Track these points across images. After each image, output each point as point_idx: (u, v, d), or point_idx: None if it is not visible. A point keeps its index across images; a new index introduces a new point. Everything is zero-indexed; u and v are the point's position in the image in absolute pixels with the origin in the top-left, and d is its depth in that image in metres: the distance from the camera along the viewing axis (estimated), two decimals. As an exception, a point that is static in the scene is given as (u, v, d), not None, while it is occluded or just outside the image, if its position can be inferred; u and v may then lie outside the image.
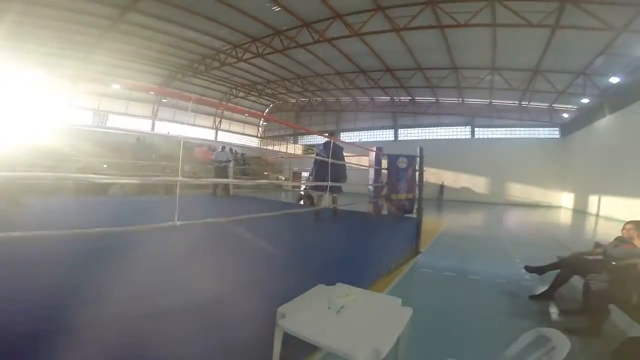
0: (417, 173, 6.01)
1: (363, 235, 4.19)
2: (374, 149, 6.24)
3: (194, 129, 30.97)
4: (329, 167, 4.24)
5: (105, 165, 13.96)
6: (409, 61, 16.89)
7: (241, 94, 27.86)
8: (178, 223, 2.21)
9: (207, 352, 1.66)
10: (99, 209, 5.42)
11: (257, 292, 2.06)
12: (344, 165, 5.51)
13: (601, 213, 15.92)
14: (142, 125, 26.64)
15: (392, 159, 5.99)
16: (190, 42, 17.09)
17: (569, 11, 9.76)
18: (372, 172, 6.24)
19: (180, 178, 2.47)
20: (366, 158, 6.71)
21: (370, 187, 6.38)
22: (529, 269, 4.45)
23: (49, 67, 18.15)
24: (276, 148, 35.26)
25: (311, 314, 1.92)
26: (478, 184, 24.38)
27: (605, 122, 16.42)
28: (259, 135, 37.88)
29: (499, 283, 4.63)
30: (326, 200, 5.35)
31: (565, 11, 9.82)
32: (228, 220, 2.66)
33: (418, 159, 5.83)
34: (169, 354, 1.51)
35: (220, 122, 32.89)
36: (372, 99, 26.24)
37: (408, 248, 5.53)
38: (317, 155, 5.50)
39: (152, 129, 27.03)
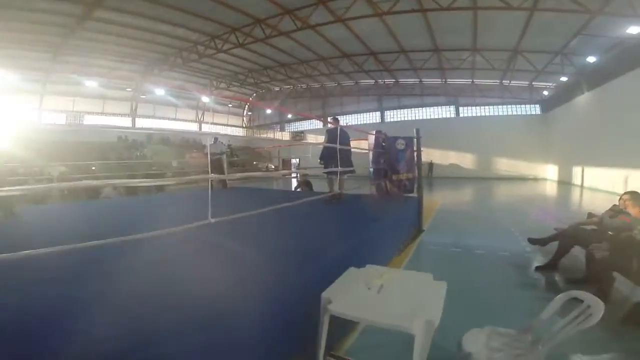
0: (415, 153, 6.12)
1: (374, 217, 4.28)
2: (374, 132, 6.31)
3: (176, 123, 30.27)
4: (338, 153, 4.31)
5: (94, 168, 13.58)
6: (392, 44, 16.76)
7: (223, 85, 27.15)
8: (213, 220, 2.22)
9: (259, 333, 1.73)
10: (105, 213, 5.32)
11: (296, 279, 2.15)
12: (349, 151, 5.56)
13: (585, 184, 16.60)
14: (122, 123, 25.79)
15: (391, 141, 6.09)
16: (164, 35, 16.31)
17: None
18: (371, 154, 6.31)
19: (211, 175, 2.53)
20: (363, 142, 6.78)
21: (371, 169, 6.48)
22: (532, 241, 4.70)
23: (16, 68, 17.24)
24: (263, 136, 34.96)
25: (355, 296, 2.00)
26: (466, 160, 24.94)
27: (584, 99, 16.90)
28: (244, 125, 37.29)
29: (503, 256, 4.84)
30: (336, 185, 5.45)
31: None
32: (258, 212, 2.70)
33: (415, 139, 5.94)
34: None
35: (203, 114, 32.14)
36: (356, 82, 26.07)
37: (413, 227, 5.66)
38: (325, 141, 5.51)
39: (133, 126, 26.20)
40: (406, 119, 27.70)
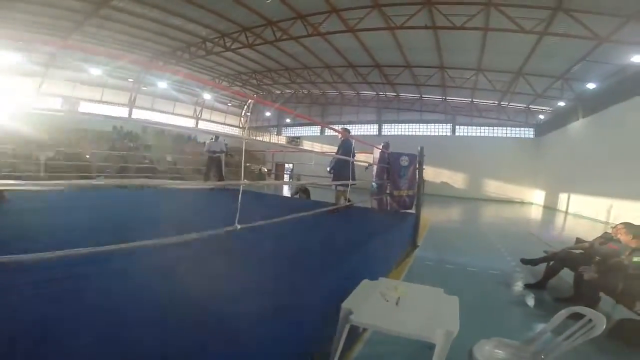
0: (417, 171, 6.21)
1: (377, 230, 4.31)
2: (380, 145, 6.35)
3: (173, 117, 29.97)
4: (352, 165, 4.35)
5: (88, 156, 13.24)
6: (398, 58, 17.05)
7: (225, 83, 27.06)
8: (239, 227, 2.21)
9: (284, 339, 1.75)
10: (101, 206, 5.14)
11: (312, 289, 2.13)
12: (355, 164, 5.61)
13: (570, 210, 17.07)
14: (119, 113, 25.41)
15: (395, 157, 6.17)
16: (175, 29, 16.27)
17: (559, 19, 10.19)
18: (375, 168, 6.36)
19: (244, 181, 2.51)
20: (368, 155, 6.82)
21: (374, 184, 6.51)
22: (524, 261, 4.98)
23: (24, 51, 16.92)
24: (259, 139, 34.77)
25: (374, 308, 2.11)
26: (457, 179, 25.36)
27: (578, 125, 17.48)
28: (240, 126, 37.12)
29: (494, 274, 5.13)
30: (345, 197, 5.47)
31: (556, 19, 10.25)
32: (283, 220, 2.68)
33: (418, 157, 6.03)
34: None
35: (201, 111, 31.92)
36: (358, 93, 26.37)
37: (409, 242, 5.80)
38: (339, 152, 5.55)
39: (129, 116, 25.83)
40: (403, 133, 28.06)
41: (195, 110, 31.61)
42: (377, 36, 14.15)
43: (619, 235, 3.76)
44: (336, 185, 5.63)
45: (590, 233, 10.47)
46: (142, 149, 22.81)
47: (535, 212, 18.18)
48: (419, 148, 6.17)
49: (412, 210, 6.20)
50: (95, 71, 20.99)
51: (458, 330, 1.92)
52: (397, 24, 12.05)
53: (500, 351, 2.22)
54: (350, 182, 4.60)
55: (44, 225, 3.24)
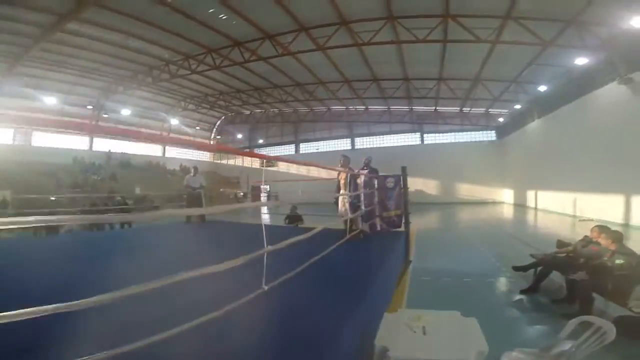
0: (402, 191, 6.35)
1: (381, 255, 4.30)
2: (366, 171, 6.41)
3: (138, 145, 28.67)
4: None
5: (53, 198, 12.04)
6: (366, 73, 17.70)
7: (191, 106, 26.50)
8: (266, 287, 2.10)
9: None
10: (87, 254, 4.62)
11: (341, 330, 2.04)
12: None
13: (539, 206, 18.20)
14: (80, 142, 23.86)
15: (381, 180, 6.30)
16: (135, 52, 15.77)
17: (509, 27, 11.11)
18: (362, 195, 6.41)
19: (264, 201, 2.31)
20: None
21: (363, 208, 6.53)
22: (515, 269, 5.39)
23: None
24: (231, 162, 34.05)
25: (406, 340, 2.23)
26: (430, 186, 26.23)
27: (535, 125, 18.93)
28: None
29: (490, 282, 5.45)
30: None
31: (507, 26, 11.15)
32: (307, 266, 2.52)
33: (402, 178, 6.20)
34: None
35: (168, 135, 30.78)
36: (329, 109, 26.87)
37: (404, 259, 5.86)
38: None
39: (90, 146, 24.33)
40: (376, 146, 28.83)
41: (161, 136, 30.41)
42: (345, 52, 14.62)
43: (599, 240, 4.18)
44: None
45: (564, 229, 11.49)
46: (107, 181, 21.49)
47: (508, 211, 19.17)
48: (401, 168, 6.33)
49: (402, 229, 6.27)
50: (50, 100, 19.64)
51: (488, 349, 2.11)
52: (364, 40, 12.53)
53: (524, 357, 2.46)
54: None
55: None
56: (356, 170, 6.04)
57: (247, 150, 34.73)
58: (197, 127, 32.91)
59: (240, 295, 1.95)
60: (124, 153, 26.04)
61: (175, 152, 32.04)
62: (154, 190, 20.70)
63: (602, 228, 4.33)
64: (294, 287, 2.48)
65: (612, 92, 11.84)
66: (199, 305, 1.86)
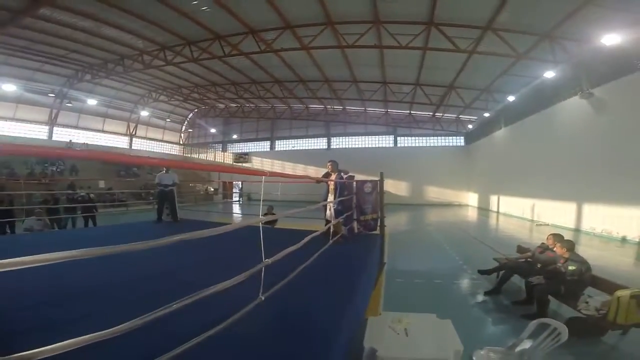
0: (379, 196, 6.58)
1: (360, 258, 4.40)
2: (346, 176, 6.54)
3: (103, 135, 27.12)
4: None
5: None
6: (346, 74, 17.86)
7: (163, 97, 25.45)
8: (262, 298, 2.13)
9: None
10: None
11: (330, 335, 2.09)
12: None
13: (501, 210, 19.35)
14: (37, 132, 22.15)
15: (360, 184, 6.48)
16: (108, 40, 14.88)
17: (488, 38, 11.59)
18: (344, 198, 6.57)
19: (261, 217, 2.36)
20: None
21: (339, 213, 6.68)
22: (481, 272, 5.87)
23: None
24: (202, 156, 33.10)
25: (392, 341, 2.48)
26: (401, 187, 27.00)
27: (501, 133, 20.04)
28: (181, 142, 35.04)
29: (457, 284, 5.97)
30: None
31: (485, 38, 11.64)
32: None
33: (379, 183, 6.43)
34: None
35: (135, 128, 29.42)
36: (307, 107, 26.83)
37: (379, 262, 6.08)
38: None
39: (50, 136, 22.68)
40: (351, 146, 29.25)
41: (128, 127, 29.02)
42: (328, 53, 14.68)
43: (555, 248, 4.67)
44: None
45: (522, 232, 12.41)
46: (68, 174, 20.18)
47: (472, 214, 20.20)
48: (379, 174, 6.55)
49: (377, 232, 6.50)
50: (9, 87, 18.10)
51: (463, 348, 2.39)
52: (348, 42, 12.62)
53: (493, 356, 2.87)
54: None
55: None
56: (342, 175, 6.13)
57: (220, 145, 34.12)
58: (168, 119, 31.72)
59: (238, 307, 1.98)
60: (86, 144, 24.53)
61: (142, 145, 30.64)
62: (119, 185, 19.73)
63: (557, 236, 4.81)
64: (288, 295, 2.53)
65: (574, 105, 12.72)
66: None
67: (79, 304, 2.35)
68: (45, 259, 0.91)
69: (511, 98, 16.33)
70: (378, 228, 6.45)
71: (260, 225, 2.30)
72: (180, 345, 1.54)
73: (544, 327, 2.84)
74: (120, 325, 1.28)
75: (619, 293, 3.48)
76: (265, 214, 8.68)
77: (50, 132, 22.87)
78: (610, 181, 10.60)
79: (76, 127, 24.92)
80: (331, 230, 4.86)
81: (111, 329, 1.23)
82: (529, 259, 5.23)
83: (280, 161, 30.08)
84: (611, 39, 9.31)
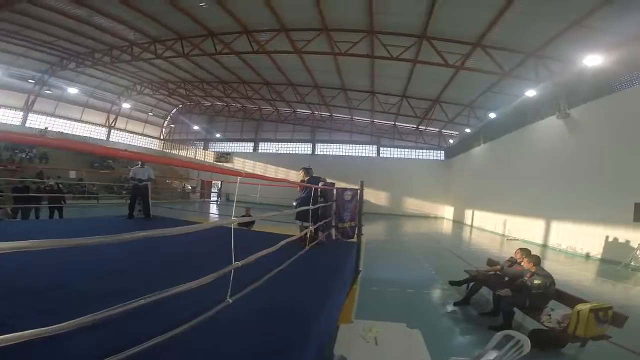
0: (358, 204, 6.65)
1: (335, 265, 4.37)
2: (327, 183, 6.57)
3: (80, 125, 26.10)
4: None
5: None
6: (336, 81, 18.01)
7: (147, 90, 24.81)
8: (230, 301, 2.09)
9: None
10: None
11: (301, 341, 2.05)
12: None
13: (474, 224, 19.90)
14: (10, 118, 21.08)
15: (340, 192, 6.53)
16: (98, 29, 14.47)
17: (476, 54, 11.88)
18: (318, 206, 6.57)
19: (234, 218, 2.30)
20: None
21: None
22: (452, 283, 6.10)
23: None
24: (182, 153, 32.31)
25: (361, 350, 2.51)
26: (380, 198, 27.24)
27: (480, 150, 20.68)
28: (161, 137, 34.12)
29: (428, 293, 6.13)
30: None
31: (474, 54, 11.91)
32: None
33: (359, 191, 6.50)
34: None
35: (115, 119, 28.48)
36: (294, 111, 26.81)
37: (354, 269, 6.12)
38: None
39: (24, 123, 21.62)
40: (335, 153, 29.37)
41: (108, 118, 28.05)
42: (320, 59, 14.75)
43: (522, 262, 4.84)
44: (302, 222, 5.53)
45: (493, 246, 12.80)
46: (38, 162, 19.25)
47: (447, 227, 20.66)
48: (359, 182, 6.62)
49: (354, 239, 6.55)
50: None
51: (430, 358, 2.45)
52: (341, 49, 12.73)
53: None
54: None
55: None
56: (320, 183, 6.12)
57: (201, 142, 33.47)
58: (150, 113, 30.88)
59: (204, 309, 1.92)
60: (62, 132, 23.51)
61: (121, 137, 29.65)
62: (91, 176, 18.98)
63: (525, 251, 4.99)
64: (258, 299, 2.48)
65: (550, 125, 13.25)
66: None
67: (27, 299, 2.20)
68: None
69: (492, 115, 16.83)
70: (355, 236, 6.50)
71: (232, 226, 2.25)
72: (136, 345, 1.47)
73: (509, 338, 2.90)
74: (66, 322, 1.22)
75: (579, 307, 3.63)
76: (243, 216, 8.55)
77: (25, 119, 21.81)
78: (577, 200, 11.15)
79: (53, 115, 23.86)
80: (308, 236, 4.84)
81: (58, 325, 1.17)
82: (498, 272, 5.39)
83: (263, 163, 29.78)
84: (593, 59, 9.66)
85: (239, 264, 2.12)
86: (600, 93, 10.86)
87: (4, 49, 17.07)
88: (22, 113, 21.84)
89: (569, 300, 4.13)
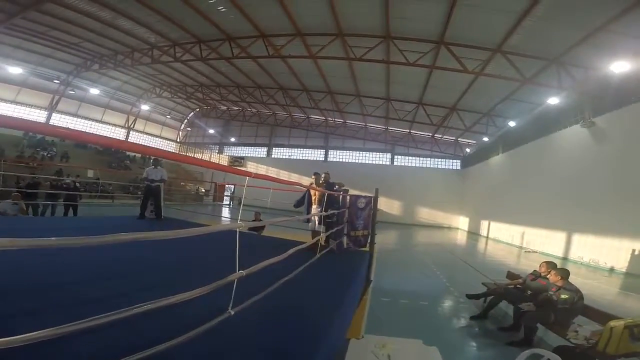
0: (372, 212, 6.44)
1: (344, 274, 4.22)
2: (341, 189, 6.42)
3: (101, 126, 26.91)
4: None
5: None
6: (351, 87, 17.92)
7: (166, 93, 25.38)
8: (232, 312, 1.90)
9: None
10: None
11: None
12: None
13: (490, 235, 19.25)
14: (36, 117, 21.94)
15: (354, 199, 6.34)
16: (122, 31, 14.95)
17: (496, 60, 11.57)
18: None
19: (240, 222, 2.14)
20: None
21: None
22: (469, 296, 5.70)
23: None
24: (197, 156, 32.73)
25: None
26: (393, 206, 26.81)
27: (498, 159, 20.09)
28: (178, 140, 34.77)
29: (443, 306, 5.83)
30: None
31: (493, 60, 11.60)
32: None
33: (373, 199, 6.30)
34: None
35: (135, 121, 29.20)
36: (308, 117, 26.85)
37: (365, 279, 5.89)
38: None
39: (48, 121, 22.43)
40: (348, 160, 29.13)
41: (127, 120, 28.80)
42: (335, 64, 14.72)
43: (548, 276, 4.55)
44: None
45: (510, 258, 12.24)
46: (58, 160, 19.81)
47: (462, 238, 20.06)
48: (374, 190, 6.46)
49: (366, 248, 6.36)
50: (15, 70, 18.14)
51: None
52: (356, 55, 12.64)
53: None
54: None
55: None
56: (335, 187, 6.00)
57: (217, 146, 33.92)
58: (168, 116, 31.59)
59: (203, 320, 1.78)
60: (82, 132, 24.28)
61: (139, 139, 30.33)
62: (107, 176, 19.39)
63: (551, 264, 4.72)
64: (263, 311, 2.33)
65: (574, 134, 12.70)
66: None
67: (19, 300, 2.11)
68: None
69: (512, 123, 16.33)
70: (368, 245, 6.30)
71: (238, 231, 2.11)
72: (130, 354, 1.35)
73: (535, 357, 2.67)
74: (61, 327, 1.11)
75: (612, 323, 3.35)
76: (253, 220, 8.46)
77: (49, 118, 22.62)
78: (602, 212, 10.59)
79: (75, 115, 24.72)
80: (319, 244, 4.69)
81: (53, 329, 1.07)
82: (519, 286, 5.09)
83: (276, 168, 29.84)
84: (620, 66, 9.23)
85: (244, 273, 1.97)
86: (627, 101, 10.30)
87: (32, 50, 17.82)
88: (46, 112, 22.64)
89: (597, 315, 3.89)
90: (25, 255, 2.83)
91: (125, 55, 17.44)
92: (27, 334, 1.03)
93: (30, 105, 21.93)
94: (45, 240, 1.00)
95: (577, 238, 11.84)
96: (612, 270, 10.02)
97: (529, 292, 4.73)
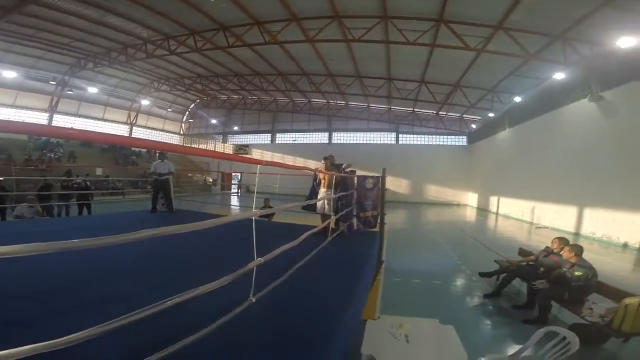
0: (380, 192, 6.41)
1: (357, 255, 4.26)
2: (348, 170, 6.41)
3: (103, 124, 27.00)
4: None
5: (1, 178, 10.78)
6: (351, 69, 17.59)
7: (164, 87, 25.21)
8: (254, 300, 1.94)
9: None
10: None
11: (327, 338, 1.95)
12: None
13: (500, 211, 19.20)
14: (37, 119, 22.02)
15: (361, 180, 6.31)
16: (112, 29, 14.71)
17: (498, 37, 11.29)
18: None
19: (255, 210, 2.16)
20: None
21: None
22: (482, 274, 5.74)
23: None
24: (202, 147, 32.83)
25: (391, 349, 2.31)
26: (400, 185, 26.78)
27: (505, 134, 19.80)
28: (181, 132, 34.83)
29: (455, 285, 5.86)
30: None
31: (496, 37, 11.32)
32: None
33: (381, 179, 6.27)
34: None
35: (136, 117, 29.22)
36: (309, 101, 26.56)
37: (377, 259, 5.94)
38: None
39: (49, 123, 22.51)
40: (352, 142, 28.98)
41: (129, 116, 28.82)
42: (333, 47, 14.42)
43: (562, 252, 4.49)
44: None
45: (521, 234, 12.26)
46: (65, 161, 20.04)
47: (471, 215, 20.05)
48: (381, 169, 6.41)
49: (377, 229, 6.37)
50: (10, 74, 18.06)
51: (467, 357, 2.22)
52: (354, 36, 12.34)
53: None
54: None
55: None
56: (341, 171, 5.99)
57: (220, 135, 33.93)
58: (169, 109, 31.52)
59: (227, 309, 1.84)
60: (85, 131, 24.44)
61: (143, 134, 30.46)
62: (115, 173, 19.58)
63: (563, 240, 4.66)
64: (281, 297, 2.39)
65: (581, 108, 12.47)
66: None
67: (49, 301, 2.17)
68: (17, 250, 0.81)
69: (517, 99, 16.02)
70: (378, 225, 6.33)
71: (254, 219, 2.14)
72: (158, 351, 1.40)
73: (551, 335, 2.67)
74: (92, 328, 1.16)
75: (627, 300, 3.35)
76: (263, 207, 8.54)
77: (50, 119, 22.70)
78: (614, 186, 10.44)
79: (76, 115, 24.78)
80: (330, 227, 4.73)
81: (85, 331, 1.11)
82: (531, 263, 5.03)
83: (281, 154, 29.81)
84: (627, 41, 8.99)
85: (262, 260, 2.01)
86: (635, 76, 10.04)
87: (23, 52, 17.68)
88: (47, 114, 22.71)
89: (612, 293, 3.84)
90: (47, 256, 2.91)
91: (118, 52, 17.22)
92: (66, 337, 1.07)
93: (30, 108, 21.98)
94: (70, 243, 1.03)
95: (588, 213, 11.74)
96: (625, 245, 9.91)
97: (542, 269, 4.68)
